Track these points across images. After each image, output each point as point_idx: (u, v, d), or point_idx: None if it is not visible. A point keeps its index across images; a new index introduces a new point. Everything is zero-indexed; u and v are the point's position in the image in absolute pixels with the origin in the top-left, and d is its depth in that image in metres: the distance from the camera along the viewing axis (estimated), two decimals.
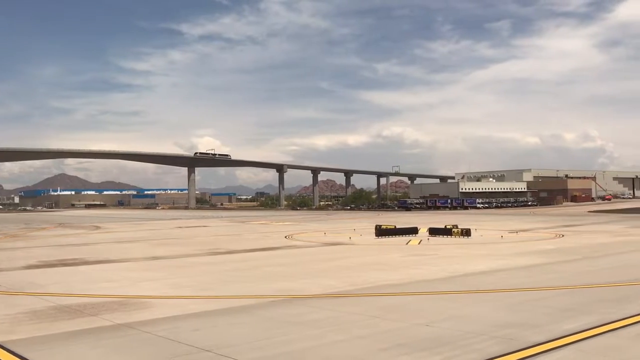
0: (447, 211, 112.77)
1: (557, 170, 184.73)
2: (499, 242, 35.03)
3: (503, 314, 12.84)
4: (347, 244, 35.56)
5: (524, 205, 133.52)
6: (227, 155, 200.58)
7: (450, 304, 14.50)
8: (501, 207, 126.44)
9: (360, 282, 18.55)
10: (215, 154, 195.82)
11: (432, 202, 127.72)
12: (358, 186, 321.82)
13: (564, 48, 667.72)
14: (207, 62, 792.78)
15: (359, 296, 15.78)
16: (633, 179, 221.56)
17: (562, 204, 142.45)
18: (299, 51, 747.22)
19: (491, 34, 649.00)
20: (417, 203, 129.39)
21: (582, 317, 12.31)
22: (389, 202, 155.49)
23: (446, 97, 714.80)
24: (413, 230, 43.13)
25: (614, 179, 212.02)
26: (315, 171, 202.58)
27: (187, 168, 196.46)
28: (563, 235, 40.77)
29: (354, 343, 10.51)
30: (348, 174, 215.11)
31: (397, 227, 45.77)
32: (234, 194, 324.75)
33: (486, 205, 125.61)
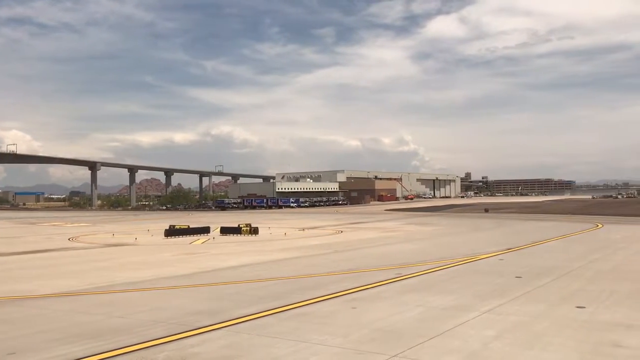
0: (262, 210, 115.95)
1: (368, 172, 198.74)
2: (278, 239, 37.43)
3: (202, 304, 14.32)
4: (129, 245, 35.49)
5: (335, 204, 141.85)
6: None
7: (164, 297, 15.74)
8: (315, 206, 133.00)
9: (103, 281, 19.05)
10: None
11: (248, 202, 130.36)
12: (186, 185, 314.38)
13: (383, 58, 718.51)
14: (17, 49, 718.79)
15: (86, 294, 16.32)
16: (434, 180, 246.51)
17: (369, 203, 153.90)
18: (122, 42, 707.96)
19: (317, 39, 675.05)
20: (234, 203, 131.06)
21: (270, 302, 14.20)
22: (209, 202, 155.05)
23: (274, 99, 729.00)
24: (205, 230, 44.21)
25: (418, 180, 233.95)
26: (132, 169, 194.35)
27: None
28: (342, 232, 44.74)
29: (34, 337, 11.13)
30: (168, 172, 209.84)
31: (192, 227, 46.66)
32: (43, 193, 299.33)
33: (302, 205, 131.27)
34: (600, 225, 45.23)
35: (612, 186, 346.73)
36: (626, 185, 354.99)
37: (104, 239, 40.25)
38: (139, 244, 35.85)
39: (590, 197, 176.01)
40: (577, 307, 13.21)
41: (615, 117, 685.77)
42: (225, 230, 44.30)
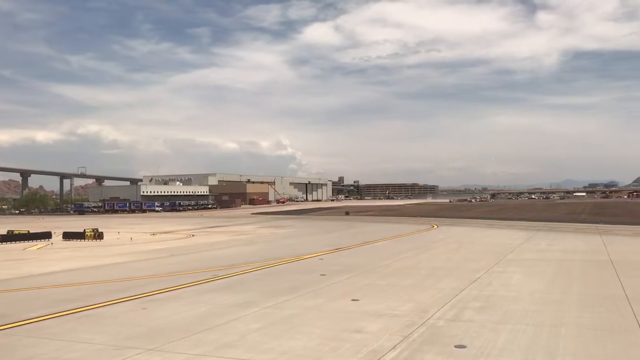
0: (124, 215, 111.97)
1: (241, 175, 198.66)
2: (121, 244, 36.79)
3: None
4: None
5: (205, 207, 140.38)
6: None
7: None
8: (183, 210, 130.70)
9: None
10: None
11: (110, 206, 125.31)
12: (49, 188, 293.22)
13: (260, 61, 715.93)
14: None
15: None
16: (306, 184, 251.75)
17: (240, 206, 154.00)
18: None
19: (192, 39, 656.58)
20: (95, 207, 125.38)
21: (63, 306, 14.31)
22: (69, 206, 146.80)
23: (146, 98, 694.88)
24: (46, 235, 42.38)
25: (291, 184, 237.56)
26: None
27: None
28: (194, 236, 44.83)
29: None
30: (24, 174, 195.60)
31: (33, 232, 44.49)
32: None
33: (177, 208, 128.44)
34: (435, 227, 49.22)
35: (472, 190, 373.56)
36: (485, 189, 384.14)
37: None
38: None
39: (448, 200, 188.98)
40: (352, 300, 14.72)
41: (476, 126, 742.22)
42: (68, 236, 42.73)
